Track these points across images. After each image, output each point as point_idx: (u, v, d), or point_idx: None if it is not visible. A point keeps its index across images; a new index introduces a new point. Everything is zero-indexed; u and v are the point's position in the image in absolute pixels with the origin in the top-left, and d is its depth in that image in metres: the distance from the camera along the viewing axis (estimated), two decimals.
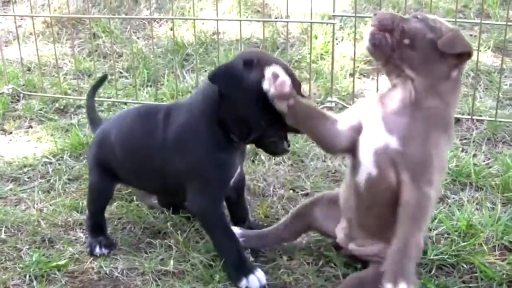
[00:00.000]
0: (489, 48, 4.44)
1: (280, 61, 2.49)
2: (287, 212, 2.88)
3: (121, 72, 4.34)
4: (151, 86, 4.07)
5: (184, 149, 2.52)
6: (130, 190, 3.09)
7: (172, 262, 2.65)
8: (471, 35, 4.65)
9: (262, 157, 3.30)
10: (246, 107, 2.43)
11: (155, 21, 4.88)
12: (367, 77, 4.12)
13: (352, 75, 3.90)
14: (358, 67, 4.12)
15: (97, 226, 2.81)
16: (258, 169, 3.24)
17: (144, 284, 2.57)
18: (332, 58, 3.70)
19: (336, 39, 4.41)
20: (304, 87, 3.92)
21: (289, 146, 2.58)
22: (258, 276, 2.49)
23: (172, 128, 2.56)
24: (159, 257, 2.70)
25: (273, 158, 3.25)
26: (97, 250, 2.73)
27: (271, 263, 2.63)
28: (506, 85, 4.02)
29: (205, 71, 4.21)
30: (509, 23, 3.55)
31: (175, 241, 2.77)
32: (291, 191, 3.10)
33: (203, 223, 2.65)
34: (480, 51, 4.27)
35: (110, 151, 2.74)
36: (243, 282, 2.48)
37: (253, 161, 3.31)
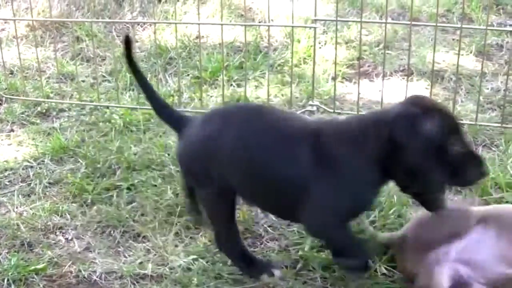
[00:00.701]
0: (471, 52, 4.45)
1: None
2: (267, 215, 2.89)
3: (104, 76, 4.33)
4: (133, 90, 4.06)
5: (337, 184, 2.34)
6: (110, 194, 3.09)
7: (150, 265, 2.66)
8: (453, 39, 4.67)
9: None
10: (420, 158, 2.26)
11: (138, 24, 4.88)
12: (349, 81, 4.13)
13: (334, 79, 3.92)
14: (340, 71, 4.14)
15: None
16: None
17: None
18: (314, 61, 3.71)
19: (319, 43, 4.43)
20: (286, 91, 3.94)
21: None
22: None
23: (325, 162, 2.34)
24: (138, 260, 2.71)
25: None
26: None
27: None
28: (488, 89, 4.03)
29: (188, 75, 4.21)
30: (489, 28, 3.57)
31: (154, 245, 2.77)
32: None
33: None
34: (462, 55, 4.30)
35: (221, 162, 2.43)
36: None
37: None
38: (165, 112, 2.66)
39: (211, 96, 3.99)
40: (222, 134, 2.40)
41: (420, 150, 2.23)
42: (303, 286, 2.56)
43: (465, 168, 2.31)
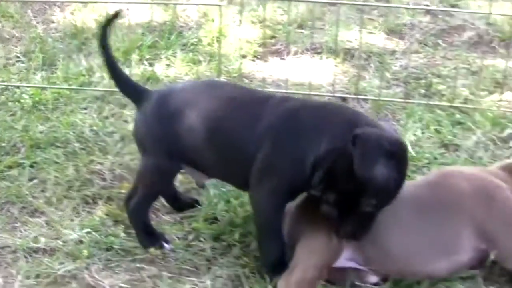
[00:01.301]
0: (383, 31, 4.54)
1: None
2: None
3: (18, 57, 4.31)
4: (46, 70, 4.06)
5: (281, 146, 2.37)
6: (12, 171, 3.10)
7: (44, 239, 2.68)
8: (369, 18, 4.74)
9: None
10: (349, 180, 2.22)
11: (55, 5, 4.86)
12: (261, 59, 4.18)
13: (244, 56, 3.97)
14: (251, 49, 4.19)
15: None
16: None
17: (14, 261, 2.60)
18: (219, 41, 3.75)
19: (234, 22, 4.47)
20: (198, 69, 3.98)
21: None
22: None
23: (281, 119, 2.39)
24: (32, 235, 2.72)
25: None
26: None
27: None
28: (396, 66, 4.12)
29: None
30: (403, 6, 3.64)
31: (51, 220, 2.80)
32: None
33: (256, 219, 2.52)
34: (374, 34, 4.40)
35: (182, 131, 2.50)
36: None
37: None
38: (126, 85, 2.70)
39: None
40: (181, 108, 2.50)
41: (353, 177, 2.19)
42: (193, 257, 2.60)
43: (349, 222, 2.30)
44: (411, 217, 2.43)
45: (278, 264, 2.43)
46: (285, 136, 2.36)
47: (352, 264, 2.44)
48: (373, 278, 2.44)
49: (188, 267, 2.56)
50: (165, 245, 2.61)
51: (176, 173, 2.68)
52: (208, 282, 2.47)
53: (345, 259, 2.43)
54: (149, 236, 2.64)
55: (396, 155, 2.23)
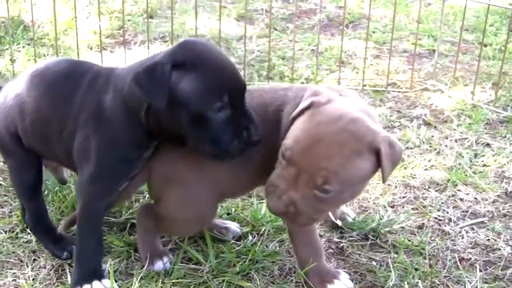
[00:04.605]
0: (234, 17, 4.61)
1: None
2: None
3: None
4: None
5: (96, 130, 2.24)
6: None
7: None
8: (223, 6, 4.79)
9: None
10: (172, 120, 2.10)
11: None
12: (108, 50, 4.18)
13: (91, 48, 3.97)
14: (99, 40, 4.17)
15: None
16: None
17: None
18: (55, 31, 3.71)
19: (84, 14, 4.45)
20: None
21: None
22: (103, 283, 2.30)
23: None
24: None
25: None
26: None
27: None
28: (242, 51, 4.18)
29: None
30: None
31: None
32: None
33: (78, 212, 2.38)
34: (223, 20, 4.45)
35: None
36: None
37: None
38: None
39: None
40: (12, 97, 2.42)
41: (169, 112, 2.07)
42: (18, 249, 2.58)
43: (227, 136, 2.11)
44: None
45: (90, 270, 2.32)
46: None
47: None
48: None
49: (12, 260, 2.53)
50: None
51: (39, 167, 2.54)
52: (31, 273, 2.45)
53: None
54: (59, 243, 2.54)
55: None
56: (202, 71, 2.04)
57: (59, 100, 2.32)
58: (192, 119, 2.07)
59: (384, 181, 2.02)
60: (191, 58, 2.05)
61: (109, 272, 2.34)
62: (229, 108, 2.07)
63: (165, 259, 2.45)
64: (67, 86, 2.32)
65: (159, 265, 2.44)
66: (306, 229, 2.28)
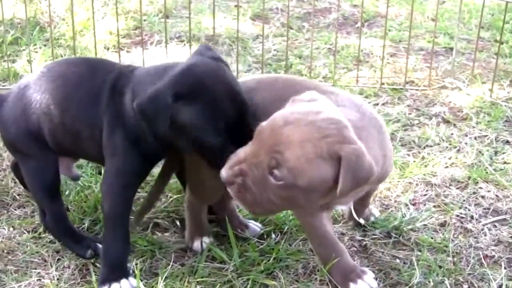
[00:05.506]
0: (249, 17, 4.60)
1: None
2: None
3: None
4: None
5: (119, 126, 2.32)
6: None
7: None
8: (235, 5, 4.79)
9: None
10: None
11: None
12: (125, 50, 4.18)
13: (107, 48, 3.97)
14: (116, 41, 4.18)
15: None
16: None
17: None
18: (73, 31, 3.71)
19: (99, 14, 4.45)
20: None
21: None
22: (130, 281, 2.34)
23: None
24: None
25: None
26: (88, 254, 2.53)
27: None
28: (259, 50, 4.18)
29: None
30: None
31: None
32: None
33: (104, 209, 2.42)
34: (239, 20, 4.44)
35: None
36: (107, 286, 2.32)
37: None
38: None
39: None
40: (33, 98, 2.43)
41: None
42: (41, 249, 2.59)
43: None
44: None
45: (117, 267, 2.36)
46: None
47: None
48: None
49: (36, 260, 2.54)
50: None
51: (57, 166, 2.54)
52: (55, 273, 2.46)
53: None
54: (81, 243, 2.57)
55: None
56: (202, 102, 2.12)
57: (86, 100, 2.36)
58: (191, 143, 2.20)
59: (339, 194, 1.92)
60: (192, 88, 2.14)
61: (134, 271, 2.35)
62: (228, 133, 2.15)
63: (206, 239, 2.52)
64: (93, 86, 2.37)
65: (197, 245, 2.52)
66: (315, 227, 2.30)
